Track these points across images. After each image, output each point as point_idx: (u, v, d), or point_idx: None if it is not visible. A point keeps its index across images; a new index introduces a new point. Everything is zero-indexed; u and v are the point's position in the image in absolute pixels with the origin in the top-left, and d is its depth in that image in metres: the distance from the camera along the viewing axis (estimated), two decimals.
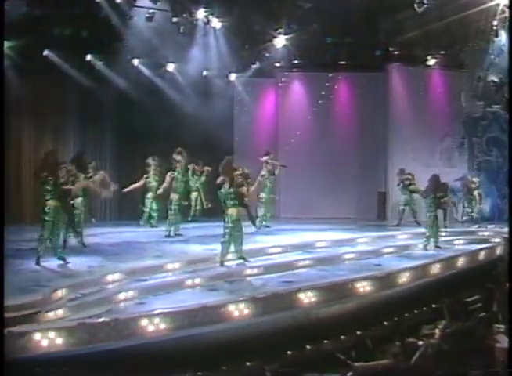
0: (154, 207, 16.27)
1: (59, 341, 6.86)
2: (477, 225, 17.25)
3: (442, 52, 19.19)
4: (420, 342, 8.10)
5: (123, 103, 18.17)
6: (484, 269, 13.07)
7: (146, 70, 18.24)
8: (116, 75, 17.62)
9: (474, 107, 19.54)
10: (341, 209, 19.70)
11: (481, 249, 13.94)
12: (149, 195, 16.30)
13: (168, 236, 14.39)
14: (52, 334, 6.83)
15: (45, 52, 16.27)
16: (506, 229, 15.62)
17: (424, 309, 10.64)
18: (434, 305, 10.68)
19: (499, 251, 14.19)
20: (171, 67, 18.73)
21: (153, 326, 7.56)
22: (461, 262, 12.77)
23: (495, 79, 19.07)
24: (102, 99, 18.03)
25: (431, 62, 19.57)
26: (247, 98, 20.86)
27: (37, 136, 17.44)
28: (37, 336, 6.75)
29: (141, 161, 18.31)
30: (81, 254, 11.30)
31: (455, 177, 19.39)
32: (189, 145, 18.64)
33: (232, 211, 11.13)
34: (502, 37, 18.38)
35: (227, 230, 11.04)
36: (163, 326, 7.65)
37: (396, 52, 19.15)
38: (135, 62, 17.87)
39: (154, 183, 16.16)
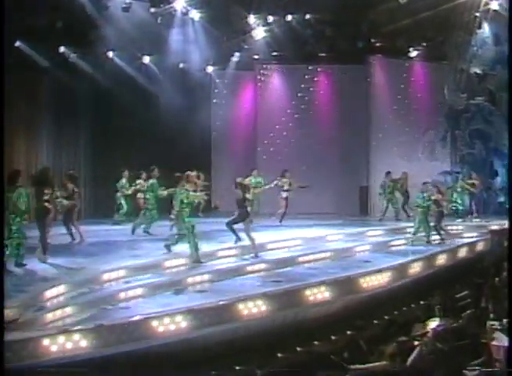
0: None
1: (40, 350, 6.39)
2: (460, 220, 17.04)
3: (425, 44, 18.93)
4: (416, 342, 7.85)
5: (97, 97, 17.64)
6: (474, 263, 12.91)
7: (121, 63, 17.63)
8: (90, 68, 17.03)
9: (457, 100, 19.33)
10: (323, 204, 19.32)
11: (468, 243, 13.79)
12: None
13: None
14: (32, 344, 6.35)
15: (17, 44, 15.58)
16: (491, 223, 15.63)
17: (417, 306, 10.39)
18: (426, 302, 10.45)
19: (486, 244, 14.06)
20: (147, 60, 18.19)
21: (139, 331, 7.14)
22: (450, 256, 12.61)
23: (478, 71, 18.92)
24: (75, 93, 17.46)
25: (413, 54, 19.33)
26: (225, 91, 20.44)
27: (7, 133, 16.67)
28: (18, 346, 6.25)
29: (117, 156, 17.84)
30: (60, 254, 10.75)
31: (438, 170, 19.22)
32: (165, 140, 18.31)
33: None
34: (485, 29, 18.30)
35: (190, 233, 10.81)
36: (149, 331, 7.24)
37: (378, 44, 18.84)
38: (111, 54, 17.28)
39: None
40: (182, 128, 18.21)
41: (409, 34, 18.23)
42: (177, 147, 18.29)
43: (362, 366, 7.61)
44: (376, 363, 7.70)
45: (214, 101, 20.68)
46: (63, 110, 17.47)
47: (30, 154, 17.18)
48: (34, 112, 17.28)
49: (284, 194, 16.45)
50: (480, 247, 13.89)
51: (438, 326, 8.35)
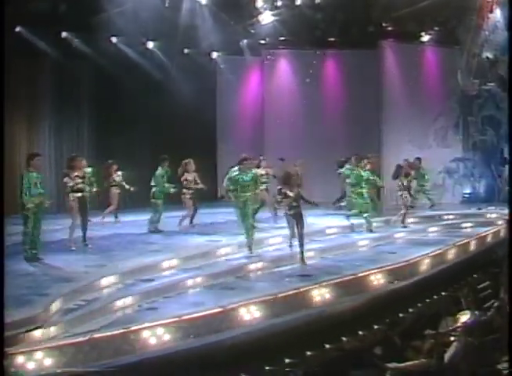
0: None
1: (64, 359, 5.91)
2: (476, 208, 16.68)
3: (436, 28, 18.49)
4: (451, 338, 7.52)
5: (100, 83, 17.16)
6: (492, 252, 12.57)
7: (125, 49, 17.16)
8: (93, 53, 16.49)
9: (470, 85, 18.88)
10: (333, 193, 18.85)
11: (485, 232, 13.41)
12: None
13: None
14: (56, 353, 5.88)
15: (18, 29, 15.04)
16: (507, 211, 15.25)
17: (439, 297, 10.00)
18: (449, 294, 10.08)
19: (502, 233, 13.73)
20: (151, 45, 17.68)
21: (169, 334, 6.69)
22: (469, 247, 12.22)
23: (490, 56, 18.50)
24: (78, 79, 16.98)
25: (425, 38, 18.89)
26: (231, 77, 19.89)
27: (8, 121, 16.17)
28: (39, 355, 5.79)
29: (119, 145, 17.36)
30: (73, 250, 10.32)
31: (450, 157, 18.81)
32: (169, 127, 17.86)
33: None
34: (497, 13, 17.90)
35: None
36: (179, 334, 6.78)
37: (389, 28, 18.39)
38: (114, 39, 16.76)
39: None
40: (187, 115, 17.76)
41: (420, 18, 17.78)
42: (181, 134, 17.89)
43: (400, 364, 7.28)
44: (415, 361, 7.39)
45: (220, 87, 20.17)
46: (65, 96, 16.99)
47: (32, 142, 16.72)
48: (36, 99, 16.79)
49: (404, 193, 14.96)
50: (496, 235, 13.53)
51: (468, 319, 8.05)
